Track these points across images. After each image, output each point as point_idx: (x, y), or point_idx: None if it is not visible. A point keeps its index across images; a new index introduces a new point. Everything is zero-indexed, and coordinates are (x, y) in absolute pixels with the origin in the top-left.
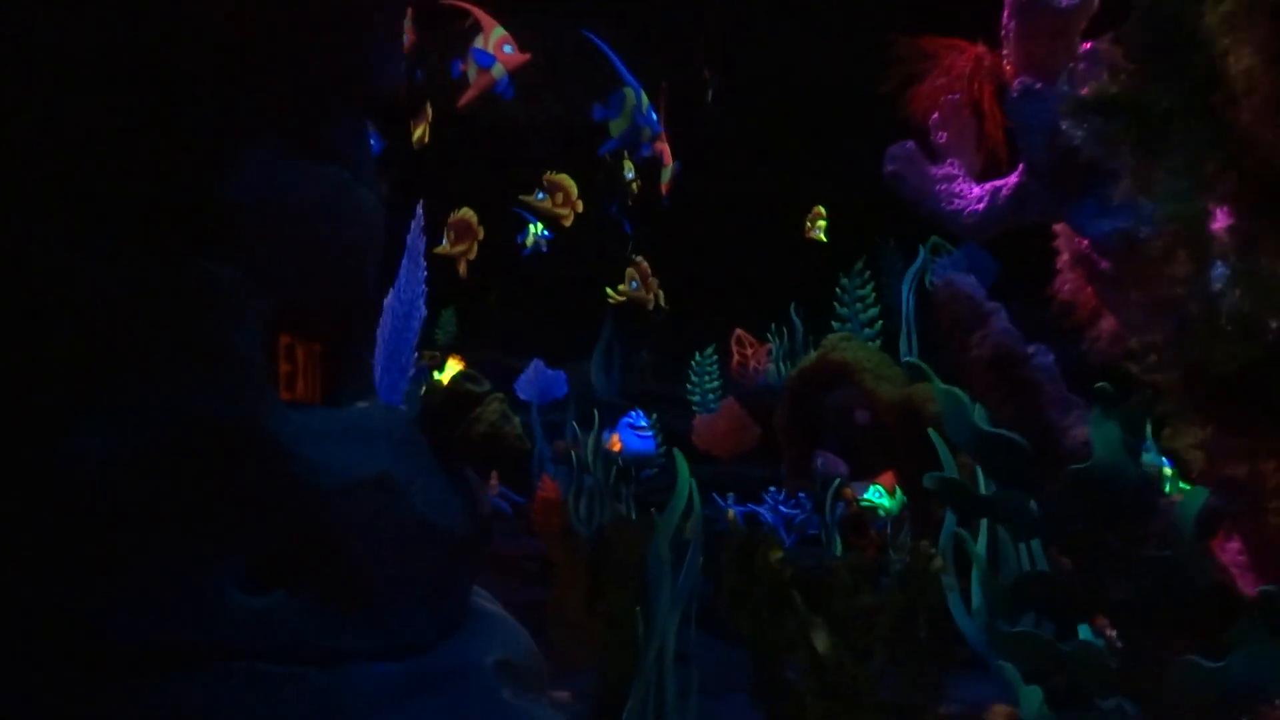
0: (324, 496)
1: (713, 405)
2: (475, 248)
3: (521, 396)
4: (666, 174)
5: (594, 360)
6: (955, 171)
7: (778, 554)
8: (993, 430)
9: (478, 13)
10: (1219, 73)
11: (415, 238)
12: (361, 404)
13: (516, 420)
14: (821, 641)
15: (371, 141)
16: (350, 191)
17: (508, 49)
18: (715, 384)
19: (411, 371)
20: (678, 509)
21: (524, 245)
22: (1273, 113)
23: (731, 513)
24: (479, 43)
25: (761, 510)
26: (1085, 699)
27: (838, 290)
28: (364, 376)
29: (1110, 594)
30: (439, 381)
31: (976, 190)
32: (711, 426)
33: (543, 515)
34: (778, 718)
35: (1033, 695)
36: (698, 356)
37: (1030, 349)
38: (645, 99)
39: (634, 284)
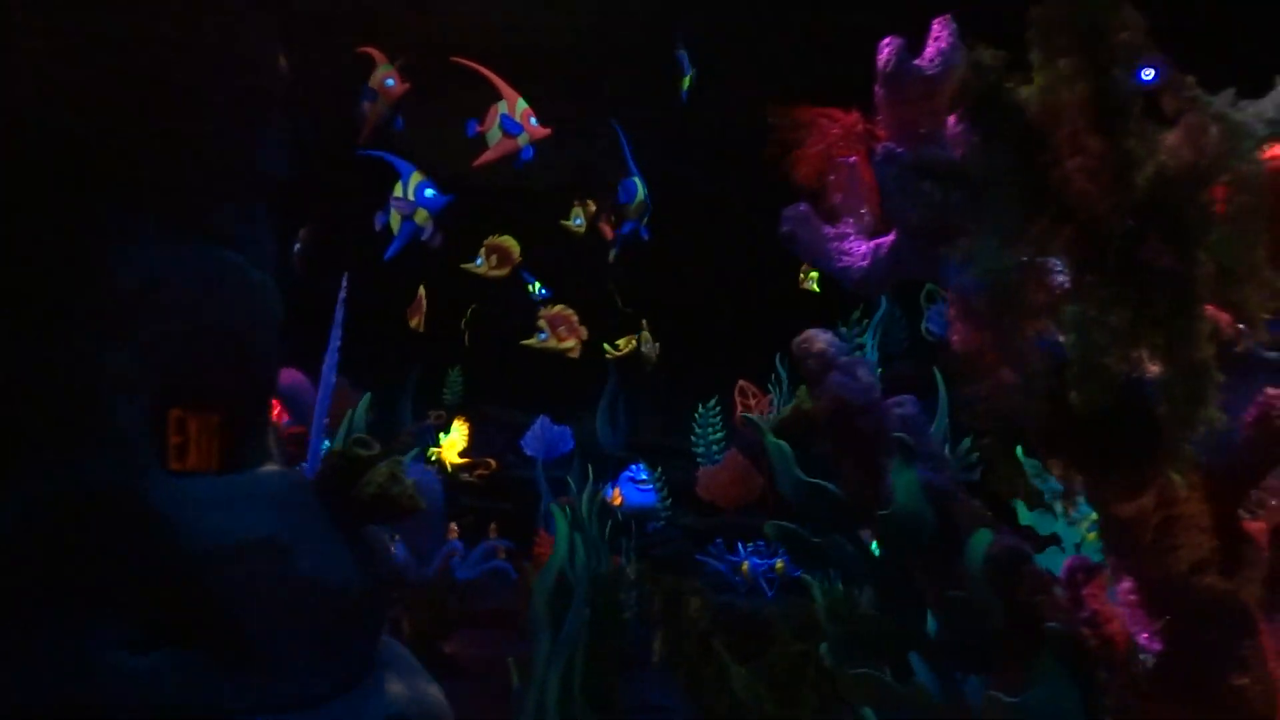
0: (204, 560)
1: (717, 457)
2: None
3: (528, 452)
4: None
5: (599, 414)
6: (847, 230)
7: (697, 604)
8: (807, 479)
9: (498, 81)
10: (1043, 136)
11: (338, 308)
12: (264, 469)
13: (409, 481)
14: (740, 687)
15: (433, 192)
16: (240, 273)
17: (534, 121)
18: (719, 435)
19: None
20: (554, 565)
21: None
22: (1098, 171)
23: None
24: (504, 109)
25: (710, 560)
26: None
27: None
28: (262, 443)
29: (921, 634)
30: (334, 450)
31: (862, 248)
32: (715, 478)
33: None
34: None
35: None
36: (701, 408)
37: (896, 400)
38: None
39: (542, 335)
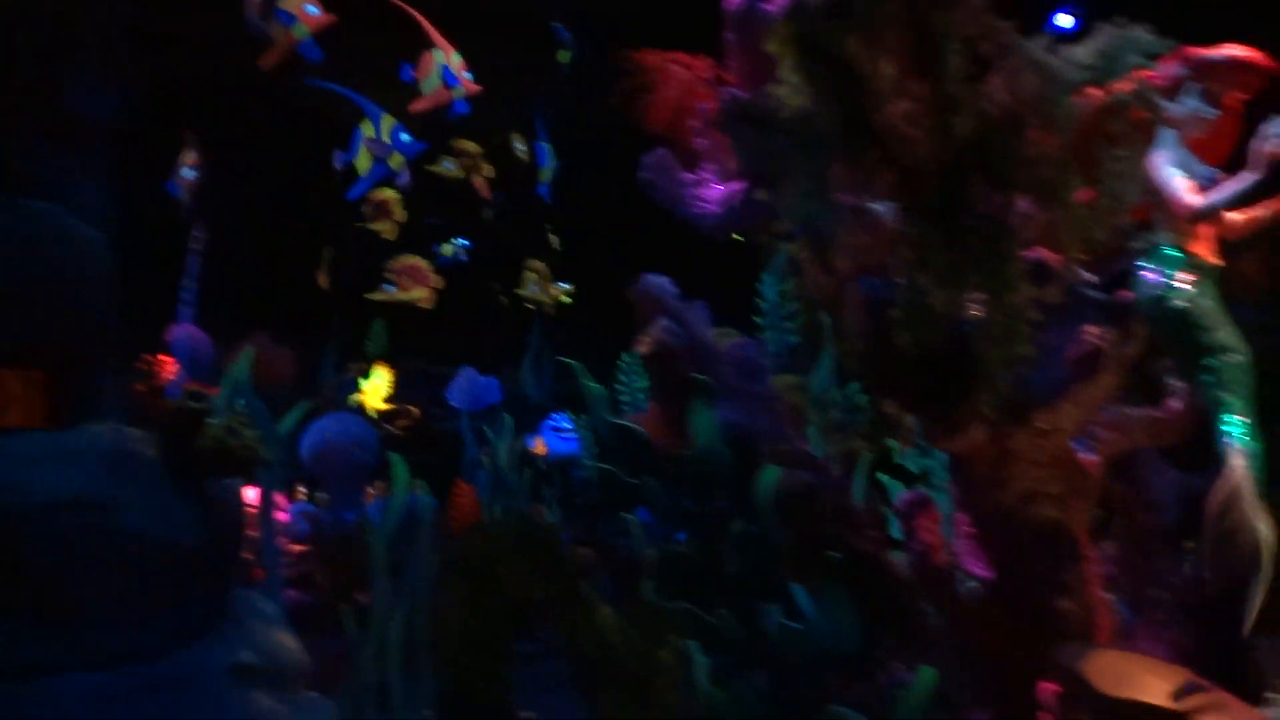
0: (16, 517)
1: (643, 404)
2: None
3: (454, 404)
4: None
5: (525, 365)
6: (706, 176)
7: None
8: (615, 421)
9: (434, 30)
10: (865, 82)
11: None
12: (94, 426)
13: (249, 434)
14: (606, 627)
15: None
16: (57, 226)
17: (468, 76)
18: (644, 383)
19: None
20: (394, 510)
21: (440, 255)
22: (922, 116)
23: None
24: (441, 59)
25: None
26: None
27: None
28: (93, 400)
29: (726, 567)
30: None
31: (716, 194)
32: (643, 424)
33: (458, 521)
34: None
35: (701, 667)
36: (625, 357)
37: (739, 343)
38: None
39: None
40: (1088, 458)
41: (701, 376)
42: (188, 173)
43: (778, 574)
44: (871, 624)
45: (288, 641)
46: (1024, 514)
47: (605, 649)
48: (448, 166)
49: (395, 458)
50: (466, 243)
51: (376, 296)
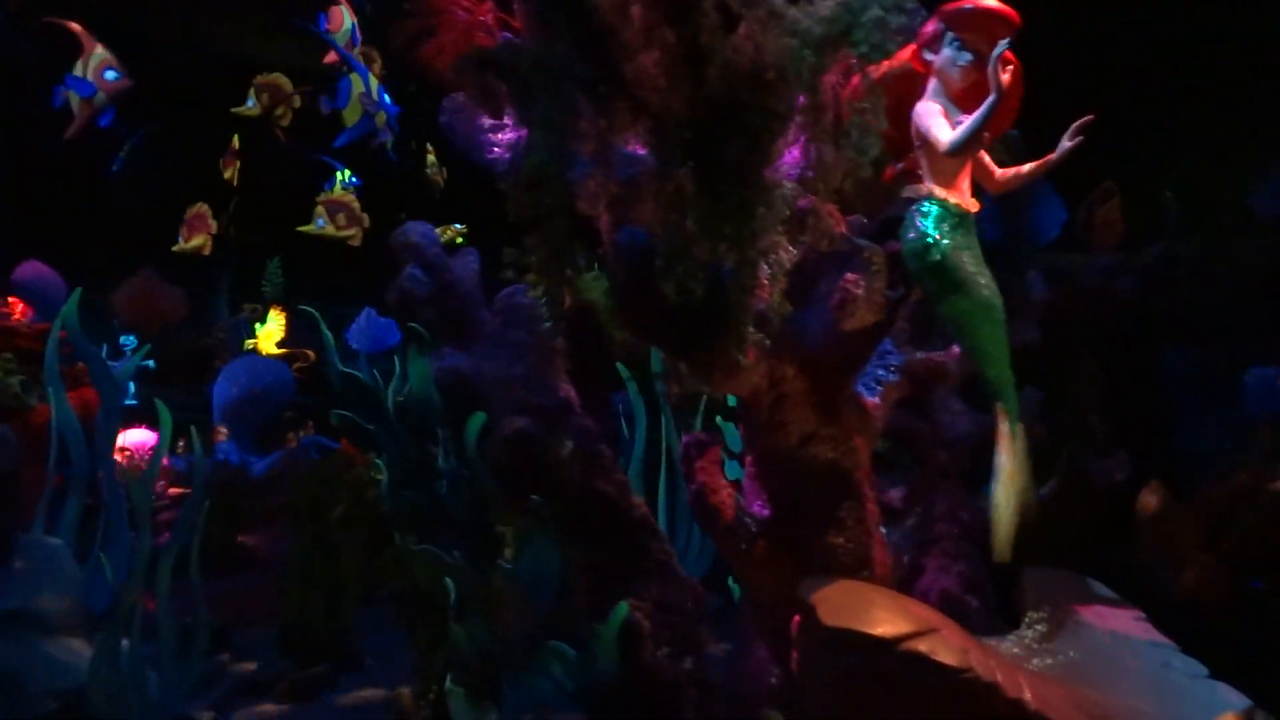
0: None
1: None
2: (209, 243)
3: (354, 345)
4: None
5: None
6: (505, 122)
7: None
8: (346, 370)
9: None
10: (614, 32)
11: None
12: None
13: (12, 381)
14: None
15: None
16: None
17: (110, 74)
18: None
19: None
20: (160, 454)
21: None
22: (673, 65)
23: None
24: (78, 69)
25: None
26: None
27: None
28: None
29: (447, 511)
30: None
31: (507, 140)
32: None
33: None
34: None
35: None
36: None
37: (509, 291)
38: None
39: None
40: (869, 400)
41: (414, 325)
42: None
43: (489, 517)
44: (604, 562)
45: (68, 588)
46: (800, 455)
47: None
48: (250, 105)
49: (160, 405)
50: (356, 180)
51: (309, 230)
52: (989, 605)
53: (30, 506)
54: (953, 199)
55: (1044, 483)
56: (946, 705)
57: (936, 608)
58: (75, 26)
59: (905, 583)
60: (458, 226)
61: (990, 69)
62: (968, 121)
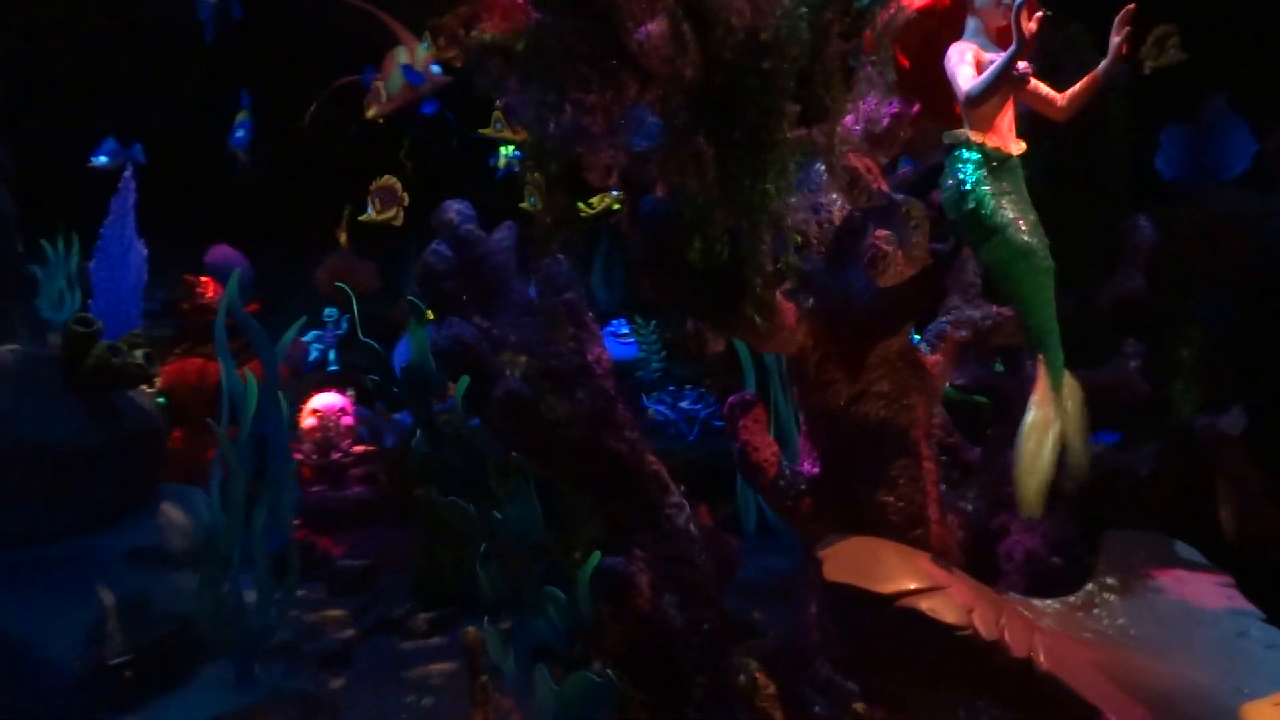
0: None
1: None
2: (401, 214)
3: None
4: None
5: (594, 273)
6: None
7: None
8: (365, 340)
9: (396, 25)
10: (615, 8)
11: (121, 201)
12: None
13: (136, 354)
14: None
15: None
16: None
17: (435, 69)
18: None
19: (139, 308)
20: (248, 414)
21: (497, 168)
22: (679, 34)
23: (650, 411)
24: (403, 58)
25: (659, 407)
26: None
27: None
28: (3, 325)
29: (452, 464)
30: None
31: None
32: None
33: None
34: None
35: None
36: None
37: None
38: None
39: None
40: (928, 355)
41: (412, 298)
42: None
43: (483, 472)
44: (616, 515)
45: (198, 528)
46: (849, 413)
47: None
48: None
49: (246, 375)
50: (520, 154)
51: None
52: (1077, 565)
53: (205, 462)
54: (990, 143)
55: (1148, 442)
56: (946, 661)
57: (1020, 569)
58: (391, 21)
59: (985, 542)
60: (615, 194)
61: (1013, 17)
62: (985, 74)
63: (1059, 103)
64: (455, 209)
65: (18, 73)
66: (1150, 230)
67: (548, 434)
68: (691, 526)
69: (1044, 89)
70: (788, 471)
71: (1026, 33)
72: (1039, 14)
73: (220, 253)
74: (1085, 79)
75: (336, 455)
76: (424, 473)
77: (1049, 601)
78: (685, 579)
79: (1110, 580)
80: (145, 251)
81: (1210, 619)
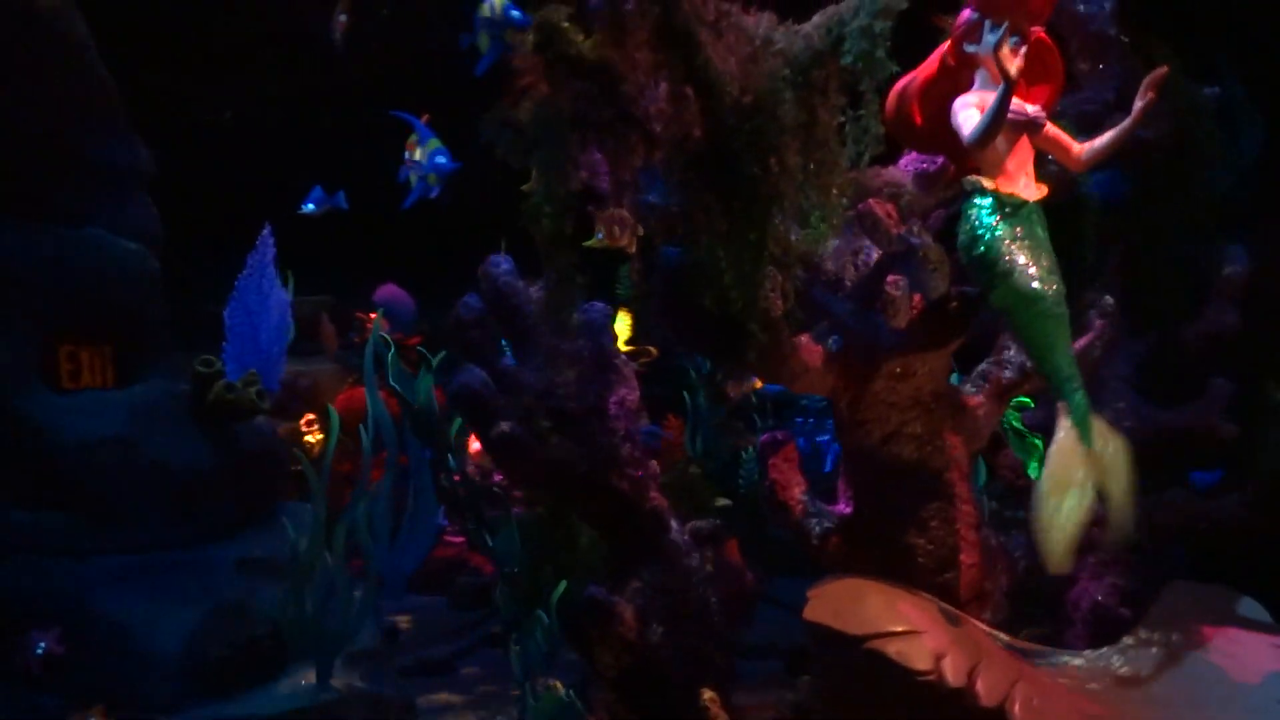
0: (66, 450)
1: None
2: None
3: None
4: None
5: None
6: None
7: None
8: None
9: None
10: (620, 80)
11: (260, 255)
12: (146, 384)
13: (250, 390)
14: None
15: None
16: (107, 244)
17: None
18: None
19: (281, 347)
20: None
21: None
22: (682, 97)
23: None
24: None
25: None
26: None
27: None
28: (153, 364)
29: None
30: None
31: None
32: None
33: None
34: None
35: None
36: None
37: None
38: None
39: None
40: (970, 397)
41: (420, 349)
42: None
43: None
44: (618, 548)
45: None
46: (882, 453)
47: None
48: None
49: (330, 409)
50: None
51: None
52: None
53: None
54: (1003, 188)
55: (1241, 489)
56: (913, 705)
57: (1086, 619)
58: None
59: (1053, 588)
60: None
61: (996, 57)
62: (983, 118)
63: (1076, 153)
64: (493, 261)
65: (247, 129)
66: (1243, 260)
67: (550, 471)
68: (692, 560)
69: (1063, 137)
70: (814, 510)
71: (1014, 70)
72: (1025, 49)
73: (388, 291)
74: (1110, 134)
75: (499, 477)
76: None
77: (1085, 652)
78: (678, 609)
79: (1151, 634)
80: (289, 299)
81: (1254, 681)
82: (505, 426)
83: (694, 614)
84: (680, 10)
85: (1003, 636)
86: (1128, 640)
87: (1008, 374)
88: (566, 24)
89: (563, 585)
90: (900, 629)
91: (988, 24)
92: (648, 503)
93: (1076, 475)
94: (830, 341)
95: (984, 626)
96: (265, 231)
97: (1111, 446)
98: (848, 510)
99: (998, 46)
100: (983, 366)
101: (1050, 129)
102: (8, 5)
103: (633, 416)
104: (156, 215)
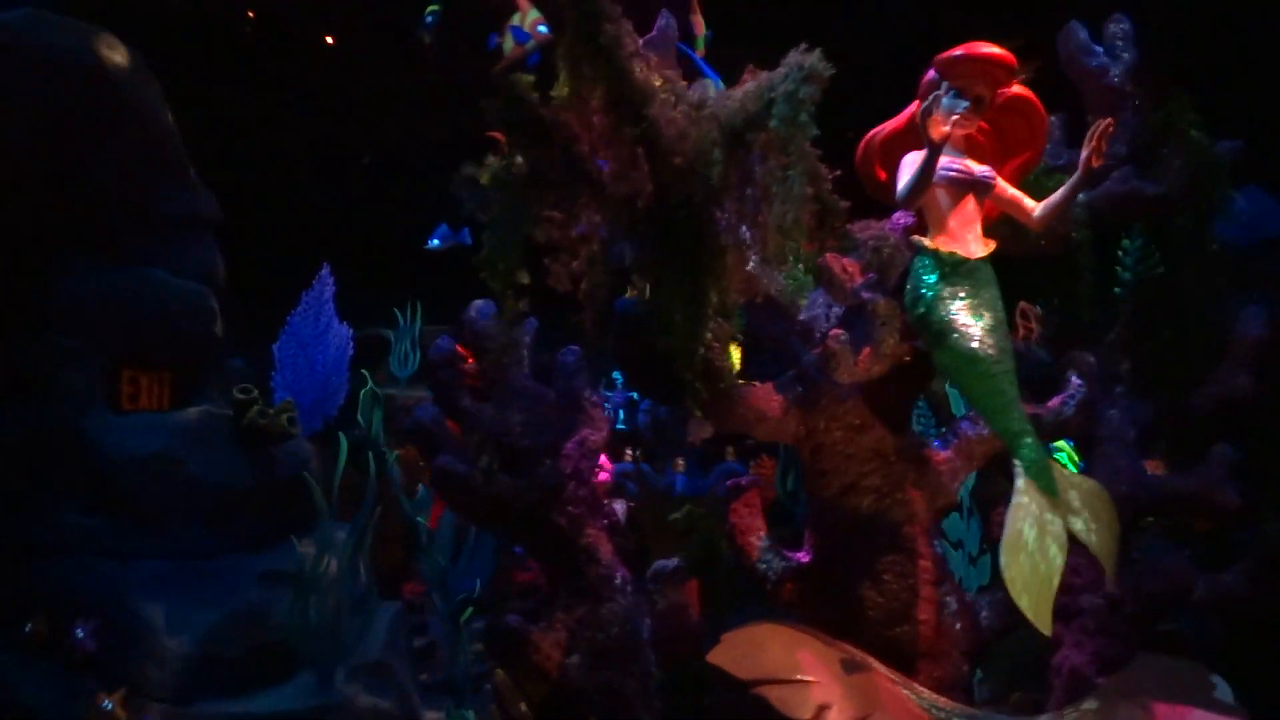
0: (118, 464)
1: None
2: None
3: None
4: None
5: None
6: None
7: None
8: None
9: None
10: (575, 141)
11: (316, 294)
12: (194, 408)
13: (280, 415)
14: None
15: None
16: (164, 283)
17: (542, 29)
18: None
19: (343, 378)
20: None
21: None
22: (631, 156)
23: None
24: (517, 20)
25: None
26: None
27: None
28: (201, 391)
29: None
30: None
31: None
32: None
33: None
34: None
35: None
36: None
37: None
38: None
39: None
40: (937, 451)
41: (372, 387)
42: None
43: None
44: (551, 579)
45: (332, 563)
46: (840, 504)
47: None
48: None
49: (341, 436)
50: None
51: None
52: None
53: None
54: (945, 247)
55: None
56: None
57: (1066, 685)
58: None
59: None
60: None
61: (920, 123)
62: (908, 180)
63: (1029, 210)
64: (475, 306)
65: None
66: (1260, 321)
67: (489, 505)
68: (622, 597)
69: (1018, 196)
70: (769, 557)
71: (937, 136)
72: (956, 116)
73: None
74: (1061, 190)
75: None
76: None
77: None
78: (600, 643)
79: (1097, 704)
80: (350, 331)
81: None
82: (444, 461)
83: (617, 651)
84: (631, 77)
85: (928, 695)
86: (1069, 711)
87: (979, 431)
88: (531, 90)
89: (469, 612)
90: (792, 677)
91: (945, 86)
92: (583, 539)
93: (1044, 528)
94: (792, 389)
95: (912, 685)
96: (324, 271)
97: (1084, 489)
98: (806, 559)
99: (925, 114)
100: (955, 423)
101: (1003, 188)
102: (83, 72)
103: (592, 457)
104: (218, 257)
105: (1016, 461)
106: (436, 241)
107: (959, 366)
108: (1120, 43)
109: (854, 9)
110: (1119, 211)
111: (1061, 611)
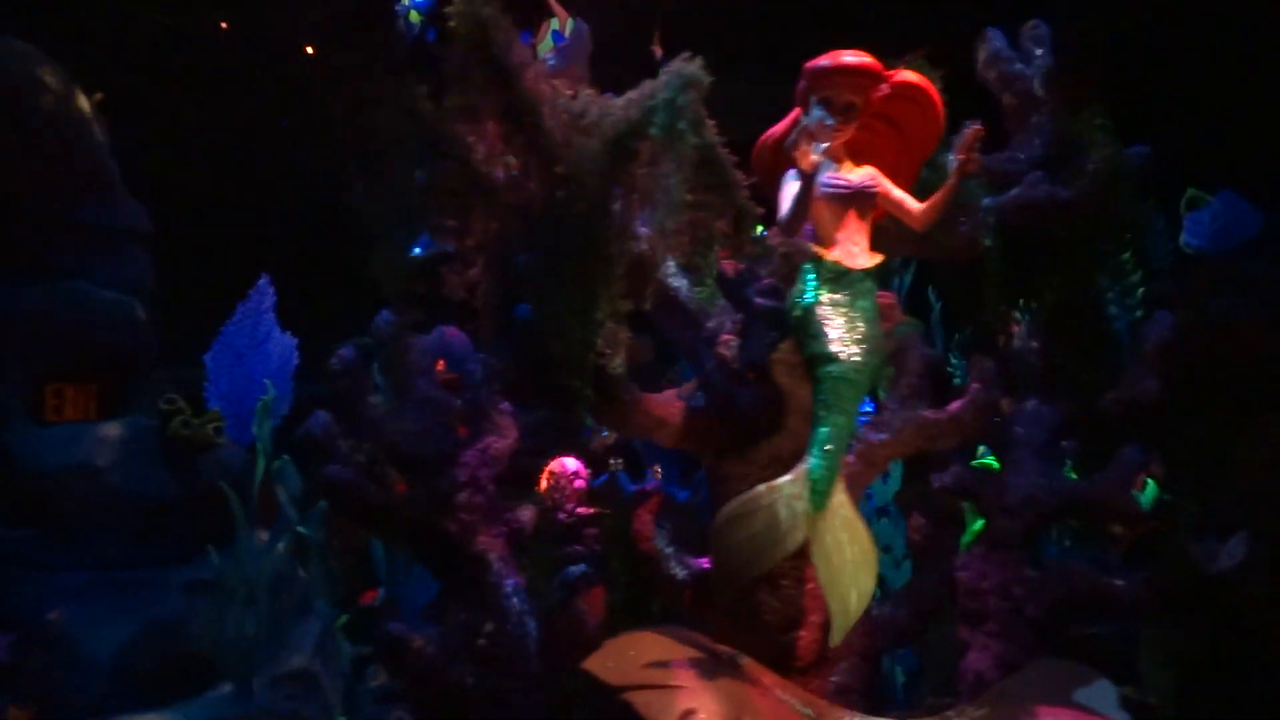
0: (39, 476)
1: None
2: None
3: None
4: None
5: None
6: None
7: None
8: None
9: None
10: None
11: (254, 304)
12: (122, 419)
13: (203, 425)
14: None
15: None
16: (92, 296)
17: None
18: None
19: (289, 389)
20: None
21: None
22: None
23: None
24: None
25: None
26: None
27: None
28: (131, 403)
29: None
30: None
31: None
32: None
33: None
34: None
35: None
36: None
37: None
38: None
39: None
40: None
41: (263, 398)
42: None
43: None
44: (443, 588)
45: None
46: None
47: None
48: None
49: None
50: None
51: None
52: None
53: None
54: (829, 256)
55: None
56: None
57: (971, 689)
58: None
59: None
60: None
61: (792, 155)
62: (787, 204)
63: (915, 213)
64: (382, 318)
65: None
66: (1168, 326)
67: (376, 511)
68: (512, 604)
69: (903, 199)
70: (676, 562)
71: (807, 167)
72: (828, 143)
73: (450, 334)
74: (939, 194)
75: (562, 516)
76: None
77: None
78: (486, 651)
79: (979, 711)
80: (294, 341)
81: None
82: (332, 470)
83: (504, 656)
84: (519, 85)
85: (809, 700)
86: (950, 713)
87: (881, 436)
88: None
89: (344, 617)
90: (661, 683)
91: (813, 99)
92: (475, 547)
93: (778, 523)
94: (691, 396)
95: (794, 689)
96: (262, 281)
97: (857, 535)
98: (709, 564)
99: (795, 144)
100: (859, 430)
101: (888, 190)
102: (8, 91)
103: (492, 464)
104: (148, 268)
105: (806, 462)
106: (418, 250)
107: (816, 364)
108: (1036, 49)
109: None
110: (1029, 216)
111: (969, 616)
